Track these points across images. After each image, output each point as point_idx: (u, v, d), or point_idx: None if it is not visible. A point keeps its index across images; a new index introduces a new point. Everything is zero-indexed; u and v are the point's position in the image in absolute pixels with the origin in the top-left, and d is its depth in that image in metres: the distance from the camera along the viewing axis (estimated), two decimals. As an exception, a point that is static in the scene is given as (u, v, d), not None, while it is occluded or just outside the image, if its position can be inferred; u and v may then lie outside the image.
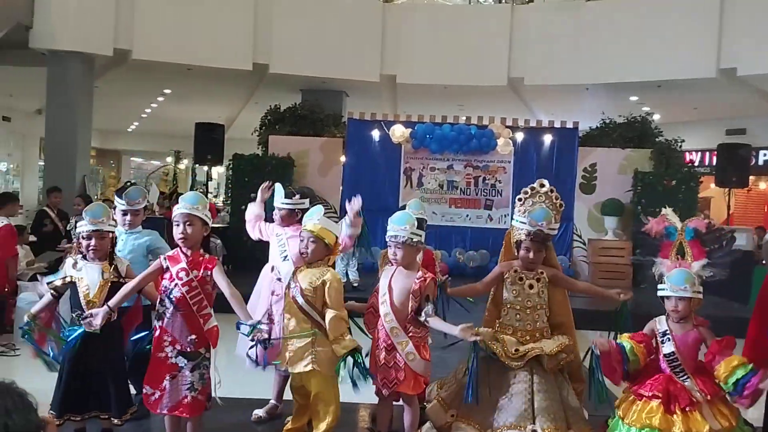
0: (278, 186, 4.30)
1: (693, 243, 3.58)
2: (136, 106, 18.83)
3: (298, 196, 4.22)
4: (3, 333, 6.48)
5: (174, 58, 11.97)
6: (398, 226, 3.58)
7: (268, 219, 4.42)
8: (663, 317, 3.52)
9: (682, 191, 11.07)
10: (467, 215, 11.72)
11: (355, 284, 8.77)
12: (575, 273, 11.10)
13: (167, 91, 15.82)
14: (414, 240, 3.56)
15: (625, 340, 3.48)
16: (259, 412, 4.19)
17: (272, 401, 4.25)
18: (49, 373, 3.52)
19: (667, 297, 3.45)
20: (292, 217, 4.20)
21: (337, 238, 3.61)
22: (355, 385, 3.39)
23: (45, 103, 12.03)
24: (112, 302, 3.37)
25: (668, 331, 3.45)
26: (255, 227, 4.40)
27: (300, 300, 3.48)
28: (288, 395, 3.94)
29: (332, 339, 3.41)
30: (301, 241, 3.59)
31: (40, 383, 3.48)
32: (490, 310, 4.05)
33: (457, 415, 3.71)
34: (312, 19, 12.50)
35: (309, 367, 3.45)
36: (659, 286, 3.53)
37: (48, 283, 3.55)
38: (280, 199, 4.24)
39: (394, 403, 3.73)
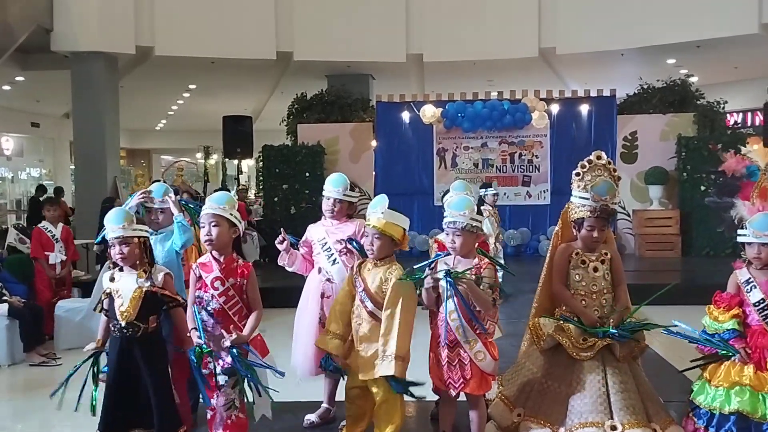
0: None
1: None
2: (163, 104, 18.80)
3: (357, 190, 3.99)
4: (43, 342, 6.38)
5: (197, 52, 11.81)
6: (456, 212, 3.27)
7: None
8: (743, 268, 3.32)
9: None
10: (505, 193, 11.38)
11: None
12: (620, 246, 10.73)
13: (192, 86, 15.73)
14: (473, 226, 3.26)
15: (718, 321, 3.24)
16: (311, 417, 3.95)
17: (324, 405, 4.00)
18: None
19: (749, 243, 3.24)
20: (342, 210, 3.93)
21: (404, 231, 3.33)
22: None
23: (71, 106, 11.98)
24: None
25: (751, 279, 3.26)
26: (304, 261, 4.02)
27: (369, 305, 3.26)
28: (339, 396, 3.72)
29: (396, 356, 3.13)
30: (366, 236, 3.36)
31: (84, 392, 3.32)
32: (541, 297, 3.69)
33: (524, 415, 3.41)
34: (333, 3, 12.18)
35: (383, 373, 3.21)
36: (739, 232, 3.32)
37: (94, 309, 3.36)
38: (333, 189, 3.90)
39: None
